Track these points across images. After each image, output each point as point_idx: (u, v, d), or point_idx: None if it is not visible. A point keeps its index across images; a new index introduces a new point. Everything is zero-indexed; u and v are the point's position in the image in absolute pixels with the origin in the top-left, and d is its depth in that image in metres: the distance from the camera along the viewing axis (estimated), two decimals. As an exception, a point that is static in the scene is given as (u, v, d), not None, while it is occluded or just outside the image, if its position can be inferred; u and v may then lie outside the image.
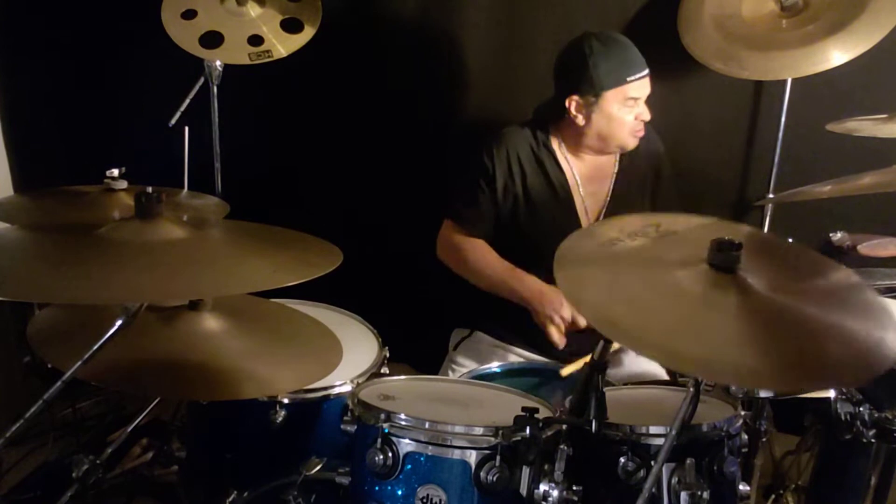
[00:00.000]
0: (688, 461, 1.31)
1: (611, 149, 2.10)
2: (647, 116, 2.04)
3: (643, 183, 2.20)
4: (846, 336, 1.17)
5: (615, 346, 1.52)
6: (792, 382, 1.20)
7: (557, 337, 1.99)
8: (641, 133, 2.07)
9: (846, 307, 1.26)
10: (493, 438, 1.29)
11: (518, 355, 2.17)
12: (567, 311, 1.97)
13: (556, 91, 2.10)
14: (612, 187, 2.15)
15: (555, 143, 2.13)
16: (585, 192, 2.14)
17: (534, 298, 2.02)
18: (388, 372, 1.74)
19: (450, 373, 2.14)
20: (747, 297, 1.18)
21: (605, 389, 1.35)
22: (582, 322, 1.96)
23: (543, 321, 2.01)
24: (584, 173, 2.14)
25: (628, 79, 1.98)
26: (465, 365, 2.15)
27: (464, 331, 2.26)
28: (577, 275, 1.32)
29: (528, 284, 2.04)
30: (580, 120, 2.04)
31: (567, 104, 2.04)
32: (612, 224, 1.50)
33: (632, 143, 2.08)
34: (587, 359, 1.75)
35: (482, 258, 2.12)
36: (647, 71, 2.01)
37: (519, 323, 2.12)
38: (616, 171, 2.16)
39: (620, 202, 2.15)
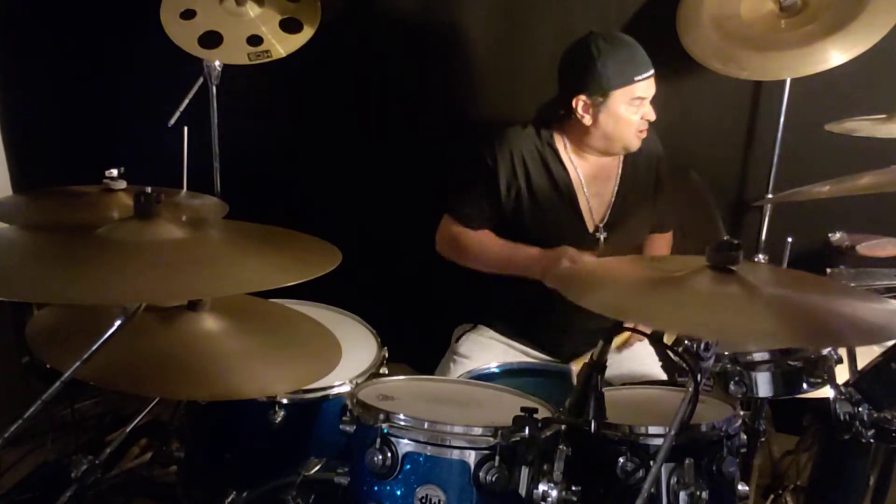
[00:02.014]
0: (686, 461, 1.31)
1: (615, 149, 2.10)
2: (652, 116, 2.04)
3: (647, 185, 2.20)
4: (850, 316, 1.26)
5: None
6: (804, 340, 1.29)
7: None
8: (645, 133, 2.07)
9: (850, 304, 1.31)
10: (492, 438, 1.29)
11: (520, 351, 2.18)
12: (566, 261, 1.92)
13: (562, 91, 2.08)
14: (616, 189, 2.15)
15: (559, 143, 2.12)
16: (590, 192, 2.13)
17: (536, 262, 2.00)
18: (387, 372, 1.74)
19: (451, 365, 2.14)
20: (750, 289, 1.23)
21: (603, 390, 1.35)
22: (587, 257, 1.94)
23: (551, 280, 1.97)
24: (589, 174, 2.13)
25: (636, 78, 1.98)
26: (466, 356, 2.15)
27: (467, 325, 2.27)
28: (580, 283, 1.36)
29: (528, 251, 2.03)
30: (587, 120, 2.03)
31: (574, 104, 2.03)
32: (608, 260, 1.61)
33: (636, 144, 2.07)
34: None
35: (481, 242, 2.12)
36: (653, 71, 2.00)
37: (522, 321, 2.12)
38: (620, 172, 2.15)
39: (625, 204, 2.15)
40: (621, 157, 2.15)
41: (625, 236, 2.15)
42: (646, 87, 2.00)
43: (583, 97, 2.01)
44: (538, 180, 2.10)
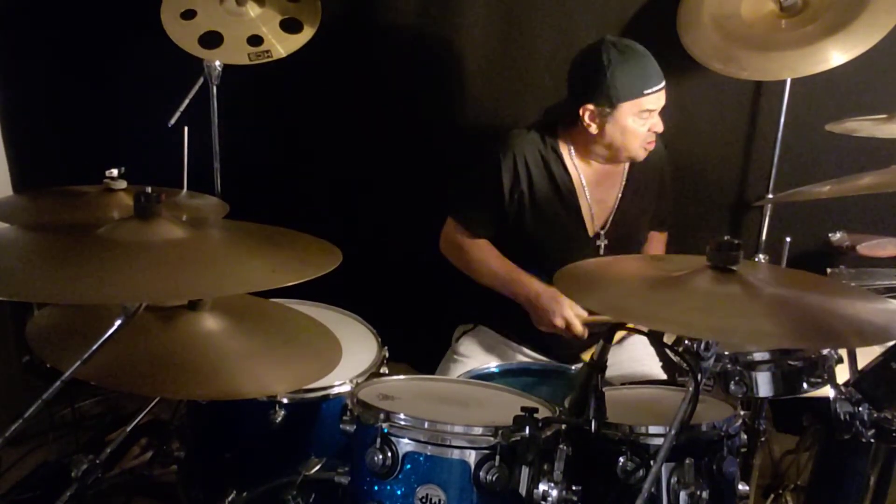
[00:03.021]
0: (687, 461, 1.31)
1: (621, 159, 2.08)
2: (660, 128, 2.01)
3: (651, 192, 2.19)
4: (851, 316, 1.27)
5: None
6: (805, 341, 1.30)
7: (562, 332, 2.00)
8: (653, 146, 2.05)
9: (850, 304, 1.31)
10: (492, 438, 1.29)
11: (520, 352, 2.18)
12: (560, 320, 1.98)
13: (570, 97, 2.06)
14: (620, 195, 2.13)
15: (563, 148, 2.10)
16: (592, 198, 2.12)
17: (531, 302, 2.02)
18: (387, 372, 1.75)
19: (451, 364, 2.14)
20: (750, 289, 1.24)
21: (604, 389, 1.35)
22: (579, 328, 1.97)
23: (540, 325, 2.01)
24: (592, 179, 2.12)
25: (646, 91, 1.95)
26: (466, 355, 2.15)
27: (467, 325, 2.27)
28: (580, 282, 1.37)
29: (527, 286, 2.04)
30: (593, 129, 2.01)
31: (581, 112, 2.00)
32: (608, 260, 1.61)
33: (642, 155, 2.05)
34: None
35: (484, 258, 2.12)
36: (663, 83, 1.97)
37: (522, 322, 2.12)
38: (625, 179, 2.14)
39: (627, 211, 2.14)
40: (627, 165, 2.13)
41: (625, 242, 2.15)
42: (655, 100, 1.97)
43: (590, 106, 1.98)
44: (541, 184, 2.08)
